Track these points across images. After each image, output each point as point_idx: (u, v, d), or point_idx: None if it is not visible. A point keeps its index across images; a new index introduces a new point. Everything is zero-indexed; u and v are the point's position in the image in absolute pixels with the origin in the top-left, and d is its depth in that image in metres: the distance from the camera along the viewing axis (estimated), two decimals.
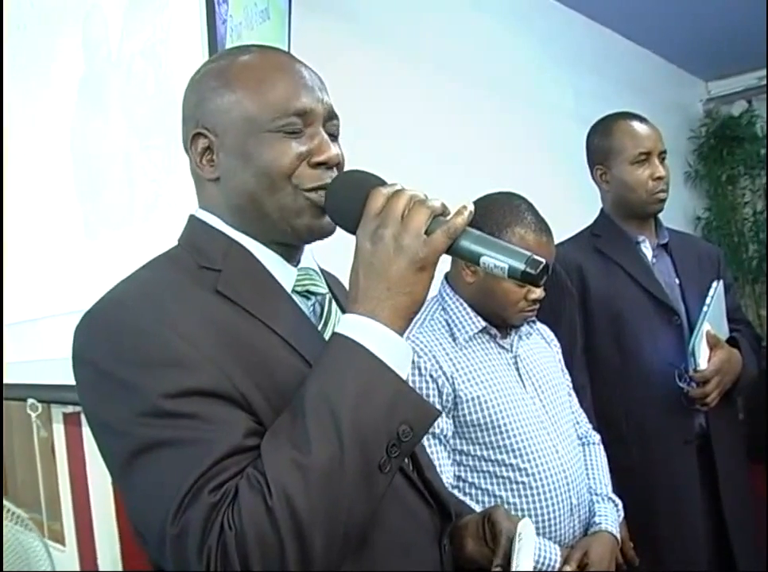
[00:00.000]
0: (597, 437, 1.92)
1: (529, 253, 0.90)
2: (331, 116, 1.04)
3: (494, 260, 0.90)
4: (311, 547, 0.81)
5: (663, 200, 2.16)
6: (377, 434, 0.86)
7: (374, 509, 0.89)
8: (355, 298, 0.92)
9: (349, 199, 0.97)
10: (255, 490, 0.82)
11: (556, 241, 1.78)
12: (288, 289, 1.04)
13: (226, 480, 0.83)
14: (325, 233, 1.04)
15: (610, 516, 1.76)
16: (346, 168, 1.05)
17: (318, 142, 1.00)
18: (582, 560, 1.66)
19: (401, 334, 0.91)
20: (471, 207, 0.93)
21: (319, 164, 1.00)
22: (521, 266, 0.89)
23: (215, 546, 0.80)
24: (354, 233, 0.96)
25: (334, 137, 1.04)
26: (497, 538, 1.11)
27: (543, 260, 0.90)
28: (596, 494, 1.79)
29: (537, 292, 1.67)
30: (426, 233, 0.91)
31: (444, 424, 1.61)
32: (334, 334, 0.91)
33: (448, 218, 0.92)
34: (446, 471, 1.60)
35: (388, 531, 0.97)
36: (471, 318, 1.71)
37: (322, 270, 1.15)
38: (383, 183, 0.97)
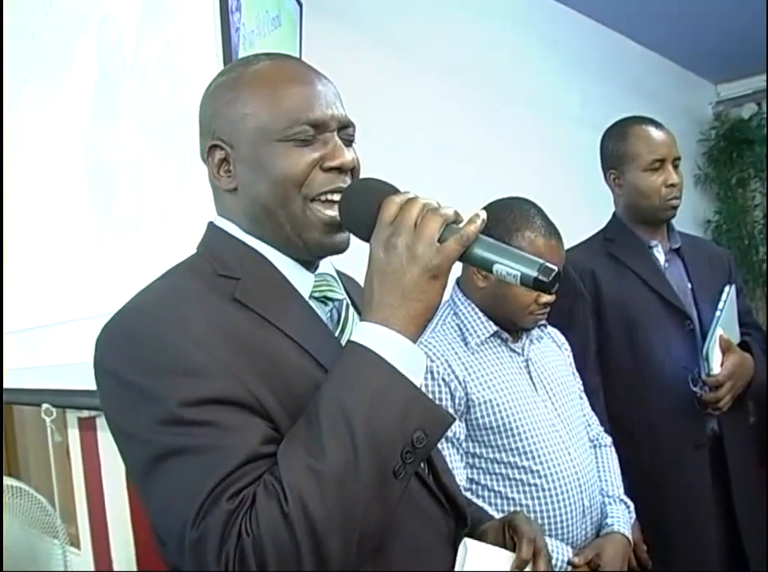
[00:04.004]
0: (608, 439, 1.93)
1: (541, 261, 0.92)
2: (345, 125, 1.04)
3: (507, 267, 0.92)
4: (327, 552, 0.83)
5: (676, 207, 2.16)
6: (391, 440, 0.87)
7: (390, 514, 0.90)
8: (369, 306, 0.93)
9: (363, 208, 0.98)
10: (272, 496, 0.83)
11: (566, 245, 1.79)
12: (306, 295, 1.05)
13: (244, 486, 0.84)
14: (337, 250, 1.05)
15: (622, 518, 1.76)
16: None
17: (331, 147, 1.01)
18: (594, 561, 1.67)
19: (415, 341, 0.92)
20: (484, 215, 0.94)
21: (332, 169, 1.01)
22: (534, 273, 0.91)
23: (233, 552, 0.82)
24: (367, 240, 0.97)
25: (349, 143, 1.05)
26: (519, 541, 1.12)
27: (555, 268, 0.91)
28: (608, 496, 1.80)
29: (548, 296, 1.69)
30: (439, 241, 0.92)
31: (456, 428, 1.62)
32: (348, 341, 0.93)
33: (461, 225, 0.93)
34: (459, 474, 1.61)
35: (403, 536, 0.98)
36: (482, 322, 1.72)
37: (339, 273, 1.16)
38: (396, 192, 0.98)
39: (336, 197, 1.01)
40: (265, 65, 1.06)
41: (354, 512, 0.84)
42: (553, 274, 0.90)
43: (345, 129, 1.04)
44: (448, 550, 1.07)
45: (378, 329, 0.91)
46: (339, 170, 1.01)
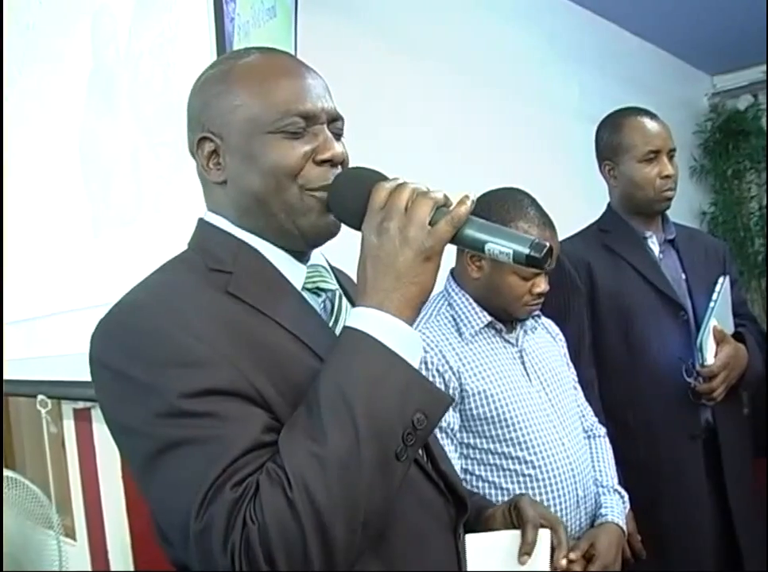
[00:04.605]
0: (603, 430, 1.93)
1: (532, 237, 0.92)
2: (334, 118, 1.05)
3: (499, 246, 0.92)
4: (332, 537, 0.83)
5: (670, 199, 2.16)
6: (392, 423, 0.87)
7: (392, 499, 0.90)
8: (363, 291, 0.93)
9: (352, 196, 0.98)
10: (275, 483, 0.83)
11: (561, 236, 1.78)
12: (299, 287, 1.05)
13: (246, 475, 0.85)
14: (330, 234, 1.05)
15: (617, 508, 1.77)
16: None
17: (322, 140, 1.02)
18: (588, 551, 1.67)
19: (411, 324, 0.92)
20: (473, 196, 0.95)
21: (324, 162, 1.01)
22: (526, 250, 0.91)
23: (239, 541, 0.82)
24: (358, 229, 0.97)
25: (338, 136, 1.05)
26: (523, 527, 1.16)
27: (546, 243, 0.91)
28: (602, 486, 1.80)
29: (542, 286, 1.69)
30: (430, 223, 0.92)
31: (450, 418, 1.63)
32: (344, 327, 0.93)
33: (451, 208, 0.94)
34: (453, 465, 1.61)
35: (404, 523, 0.98)
36: (476, 313, 1.72)
37: (332, 267, 1.16)
38: (385, 178, 0.99)
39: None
40: (256, 58, 1.06)
41: (358, 496, 0.84)
42: (545, 249, 0.91)
43: (334, 122, 1.05)
44: (449, 538, 1.07)
45: (373, 313, 0.91)
46: (331, 163, 1.02)
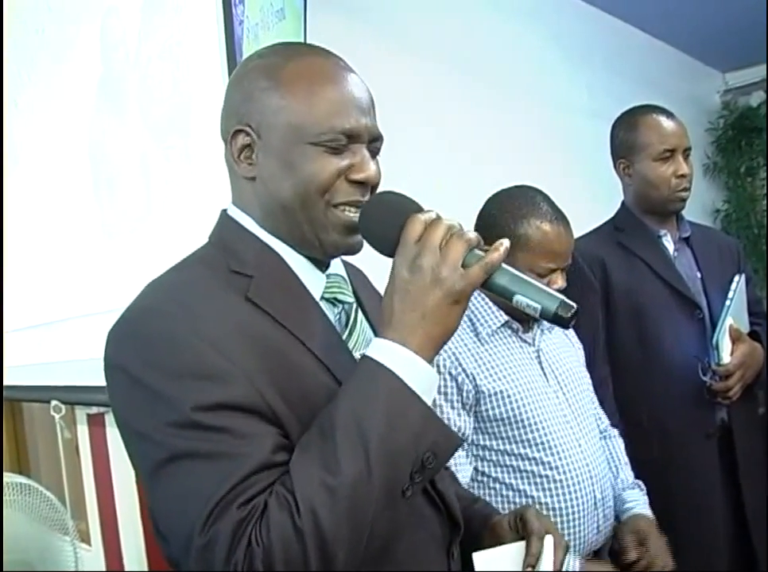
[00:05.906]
0: (615, 431, 1.92)
1: (561, 297, 0.93)
2: (375, 137, 1.04)
3: (528, 300, 0.93)
4: (334, 563, 0.84)
5: (684, 199, 2.16)
6: (403, 459, 0.87)
7: (393, 527, 0.91)
8: (389, 323, 0.92)
9: (385, 223, 0.97)
10: (284, 508, 0.83)
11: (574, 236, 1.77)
12: (317, 296, 1.05)
13: (254, 495, 0.85)
14: (351, 252, 1.05)
15: (641, 500, 1.77)
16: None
17: (360, 159, 1.01)
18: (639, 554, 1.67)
19: (431, 363, 0.92)
20: (507, 243, 0.94)
21: (356, 182, 1.00)
22: (554, 309, 0.92)
23: (242, 561, 0.82)
24: (385, 254, 0.97)
25: (374, 155, 1.05)
26: (528, 538, 1.15)
27: (574, 305, 0.92)
28: (622, 483, 1.80)
29: (559, 283, 1.68)
30: (463, 266, 0.91)
31: (461, 423, 1.62)
32: (365, 356, 0.92)
33: (485, 253, 0.93)
34: (462, 470, 1.60)
35: (402, 540, 0.99)
36: (493, 312, 1.71)
37: (345, 264, 1.15)
38: (420, 209, 0.98)
39: (354, 210, 1.01)
40: (308, 60, 1.04)
41: (363, 527, 0.85)
42: (572, 311, 0.92)
43: (374, 142, 1.04)
44: (442, 555, 1.08)
45: (396, 348, 0.91)
46: (362, 184, 1.01)
